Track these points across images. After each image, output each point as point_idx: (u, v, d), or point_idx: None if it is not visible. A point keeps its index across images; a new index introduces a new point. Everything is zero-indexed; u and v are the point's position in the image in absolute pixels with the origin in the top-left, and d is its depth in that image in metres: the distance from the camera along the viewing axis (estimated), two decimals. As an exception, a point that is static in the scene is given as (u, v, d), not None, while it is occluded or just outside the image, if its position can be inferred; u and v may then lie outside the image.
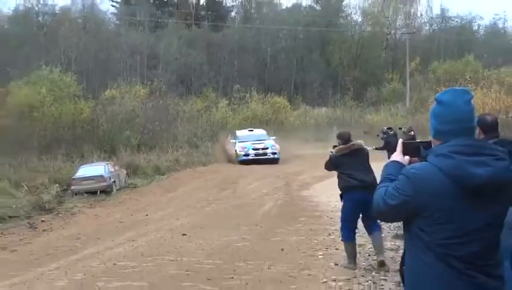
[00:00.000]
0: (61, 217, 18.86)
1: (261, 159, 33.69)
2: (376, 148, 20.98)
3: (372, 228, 9.20)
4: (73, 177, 25.73)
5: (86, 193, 24.35)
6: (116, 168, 27.81)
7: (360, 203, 8.89)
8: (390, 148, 18.99)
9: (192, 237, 12.84)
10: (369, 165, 9.33)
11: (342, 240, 9.45)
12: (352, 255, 9.23)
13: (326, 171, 9.95)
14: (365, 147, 9.60)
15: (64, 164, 30.71)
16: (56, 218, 18.71)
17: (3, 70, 37.56)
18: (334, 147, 9.52)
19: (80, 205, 21.44)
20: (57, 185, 25.58)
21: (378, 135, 20.99)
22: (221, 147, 39.22)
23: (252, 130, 38.25)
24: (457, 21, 74.60)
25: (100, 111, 42.60)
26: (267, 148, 34.62)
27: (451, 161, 2.93)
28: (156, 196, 22.91)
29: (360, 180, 8.96)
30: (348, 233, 9.20)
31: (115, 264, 10.44)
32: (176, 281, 8.87)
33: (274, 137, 37.28)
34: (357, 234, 11.99)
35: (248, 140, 35.44)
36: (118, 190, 25.67)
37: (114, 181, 25.85)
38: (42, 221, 17.95)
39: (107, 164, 27.40)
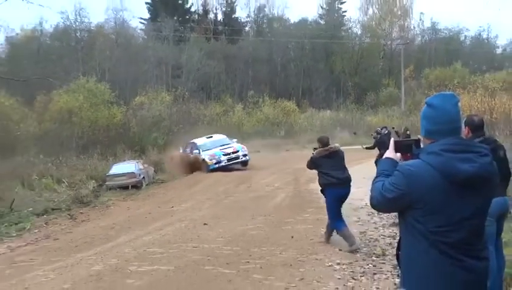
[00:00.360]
0: (97, 209, 18.94)
1: (233, 164, 28.98)
2: (367, 148, 21.09)
3: None
4: (107, 174, 25.86)
5: (118, 188, 24.46)
6: (145, 165, 27.93)
7: (338, 197, 9.69)
8: (383, 146, 19.24)
9: (213, 226, 12.85)
10: (345, 165, 9.87)
11: (337, 233, 9.76)
12: (350, 237, 9.51)
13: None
14: (341, 149, 10.06)
15: (99, 162, 30.86)
16: (93, 210, 18.80)
17: (46, 81, 37.73)
18: (315, 149, 9.98)
19: (114, 199, 21.52)
20: (93, 181, 25.72)
21: (371, 135, 21.02)
22: (177, 158, 30.67)
23: (211, 137, 31.40)
24: (446, 33, 74.21)
25: (131, 115, 42.89)
26: (238, 151, 29.45)
27: (441, 158, 2.93)
28: (180, 190, 22.92)
29: (336, 177, 9.56)
30: (339, 224, 9.67)
31: (144, 250, 10.47)
32: (198, 265, 8.88)
33: (236, 139, 31.86)
34: (357, 223, 12.06)
35: (213, 147, 29.37)
36: (146, 185, 25.76)
37: (143, 177, 25.95)
38: (81, 213, 18.04)
39: (137, 162, 27.53)
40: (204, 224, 13.20)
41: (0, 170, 23.99)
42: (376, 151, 19.94)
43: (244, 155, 29.63)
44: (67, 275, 8.82)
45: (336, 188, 9.60)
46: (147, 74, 59.79)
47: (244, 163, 29.67)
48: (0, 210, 17.14)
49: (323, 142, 9.87)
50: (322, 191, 10.00)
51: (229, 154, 28.97)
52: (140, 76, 58.39)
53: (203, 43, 64.53)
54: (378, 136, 20.66)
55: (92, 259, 10.06)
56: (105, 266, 9.36)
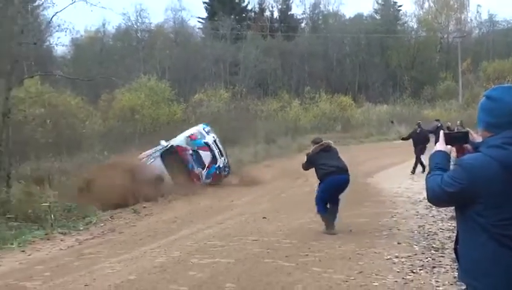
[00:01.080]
0: (160, 204, 19.10)
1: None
2: (402, 138, 21.24)
3: (335, 202, 10.66)
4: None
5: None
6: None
7: (338, 183, 10.50)
8: (421, 141, 19.70)
9: (272, 220, 12.89)
10: (340, 157, 10.86)
11: (317, 213, 10.73)
12: (328, 222, 10.48)
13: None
14: (334, 145, 11.18)
15: (161, 158, 31.12)
16: (156, 205, 18.96)
17: (110, 80, 38.56)
18: (307, 153, 11.08)
19: (175, 193, 21.69)
20: (156, 176, 25.90)
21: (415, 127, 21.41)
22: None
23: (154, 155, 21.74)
24: (504, 24, 72.10)
25: (190, 112, 43.32)
26: (206, 127, 23.63)
27: (503, 151, 2.87)
28: (240, 185, 22.92)
29: (335, 166, 10.43)
30: (323, 208, 10.55)
31: (206, 243, 10.58)
32: (258, 258, 8.94)
33: (163, 140, 22.92)
34: (416, 216, 11.96)
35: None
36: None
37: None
38: (144, 207, 18.23)
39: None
40: (264, 218, 13.25)
41: (67, 167, 24.56)
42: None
43: (207, 132, 23.09)
44: (132, 267, 9.00)
45: (336, 175, 10.41)
46: (205, 71, 60.25)
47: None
48: (68, 205, 17.54)
49: (316, 142, 10.92)
50: (320, 184, 10.79)
51: (206, 140, 22.13)
52: (199, 74, 58.91)
53: (259, 41, 64.55)
54: (418, 129, 20.71)
55: (155, 252, 10.23)
56: (168, 258, 9.51)
